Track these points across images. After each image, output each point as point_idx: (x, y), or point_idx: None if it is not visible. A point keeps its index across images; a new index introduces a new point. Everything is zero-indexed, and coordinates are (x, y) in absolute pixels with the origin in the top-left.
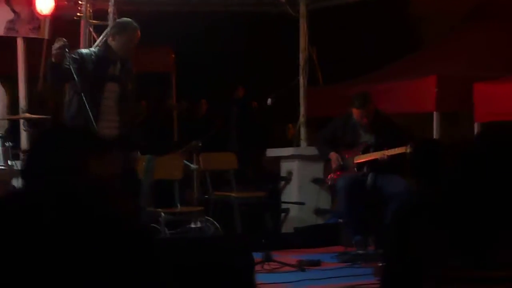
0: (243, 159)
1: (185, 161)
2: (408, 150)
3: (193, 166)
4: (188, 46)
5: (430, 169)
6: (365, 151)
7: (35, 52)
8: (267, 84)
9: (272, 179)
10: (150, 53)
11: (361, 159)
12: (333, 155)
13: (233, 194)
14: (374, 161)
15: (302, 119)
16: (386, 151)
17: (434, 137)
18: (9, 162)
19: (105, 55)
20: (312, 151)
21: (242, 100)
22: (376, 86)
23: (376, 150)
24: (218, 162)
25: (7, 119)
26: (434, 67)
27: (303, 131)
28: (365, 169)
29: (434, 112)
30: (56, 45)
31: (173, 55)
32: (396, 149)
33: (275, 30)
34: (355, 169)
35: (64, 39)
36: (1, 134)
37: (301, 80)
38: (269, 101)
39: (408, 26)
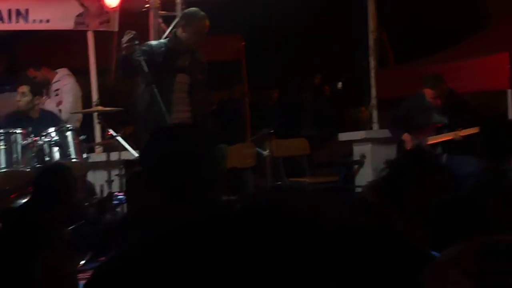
0: (316, 144)
1: (257, 149)
2: (482, 130)
3: (265, 153)
4: (257, 32)
5: (504, 149)
6: (439, 132)
7: (105, 45)
8: (338, 68)
9: (345, 163)
10: (219, 42)
11: (435, 140)
12: (406, 137)
13: (306, 180)
14: (448, 141)
15: (373, 101)
16: (460, 132)
17: (509, 116)
18: (83, 155)
19: (175, 47)
20: (385, 133)
21: (314, 85)
22: (448, 65)
23: (450, 130)
24: (290, 148)
25: (81, 113)
26: (506, 44)
27: (375, 113)
28: (439, 150)
29: (508, 90)
30: (126, 37)
31: (243, 43)
32: (470, 129)
33: (344, 12)
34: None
35: (133, 31)
36: (74, 127)
37: (371, 62)
38: (339, 84)
39: (478, 3)
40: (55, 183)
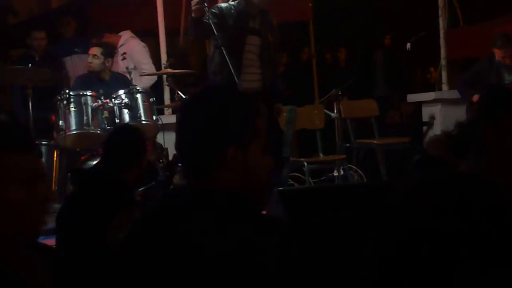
0: (386, 105)
1: (326, 110)
2: None
3: (334, 114)
4: None
5: None
6: None
7: (174, 8)
8: (408, 28)
9: (415, 124)
10: (287, 3)
11: None
12: (476, 98)
13: (375, 141)
14: None
15: (443, 62)
16: None
17: None
18: (153, 117)
19: (245, 8)
20: (455, 94)
21: (384, 45)
22: None
23: None
24: (359, 109)
25: (151, 75)
26: None
27: (444, 74)
28: None
29: None
30: (195, 0)
31: (310, 3)
32: None
33: None
34: None
35: None
36: (145, 89)
37: (441, 22)
38: (408, 45)
39: None
40: (127, 144)
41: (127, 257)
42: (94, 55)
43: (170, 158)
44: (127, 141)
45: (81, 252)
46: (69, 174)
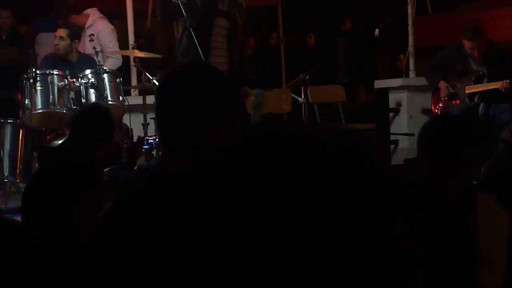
0: (351, 91)
1: (293, 95)
2: None
3: (301, 99)
4: None
5: None
6: (477, 81)
7: None
8: (375, 15)
9: (380, 111)
10: None
11: (473, 89)
12: (442, 84)
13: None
14: (488, 91)
15: (410, 49)
16: (506, 81)
17: None
18: (120, 98)
19: None
20: (421, 81)
21: (350, 31)
22: (487, 13)
23: (490, 80)
24: (326, 95)
25: (118, 56)
26: None
27: (412, 61)
28: (476, 99)
29: None
30: None
31: None
32: None
33: None
34: (467, 99)
35: None
36: (111, 69)
37: (409, 9)
38: (376, 31)
39: None
40: (96, 124)
41: (112, 238)
42: (61, 37)
43: (135, 139)
44: (97, 121)
45: (47, 230)
46: (35, 153)
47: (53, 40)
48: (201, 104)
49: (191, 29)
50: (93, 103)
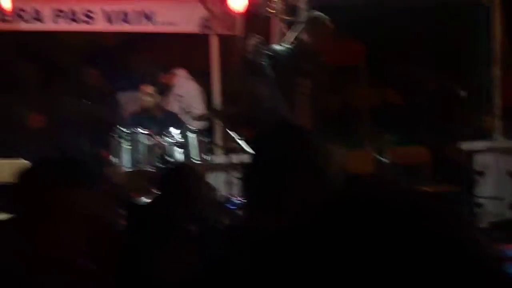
0: (437, 152)
1: (376, 155)
2: None
3: (384, 159)
4: (379, 38)
5: None
6: None
7: (227, 49)
8: (461, 75)
9: (466, 173)
10: (339, 46)
11: None
12: None
13: (427, 189)
14: None
15: (497, 111)
16: None
17: None
18: (204, 157)
19: (298, 51)
20: (509, 143)
21: (434, 91)
22: None
23: None
24: (410, 155)
25: (204, 118)
26: None
27: (499, 123)
28: None
29: None
30: (251, 41)
31: (363, 48)
32: None
33: (461, 20)
34: None
35: (258, 35)
36: (197, 129)
37: (496, 71)
38: (462, 93)
39: None
40: (182, 183)
41: None
42: (148, 93)
43: (220, 198)
44: (183, 180)
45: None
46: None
47: (133, 98)
48: (292, 167)
49: (276, 89)
50: (181, 163)
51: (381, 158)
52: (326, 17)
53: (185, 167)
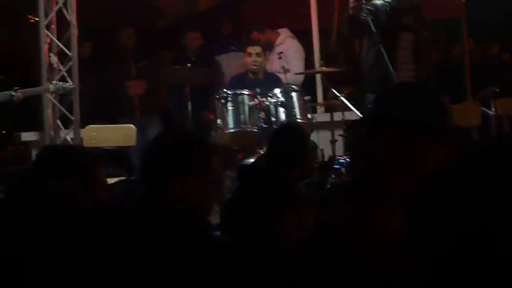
0: None
1: (483, 108)
2: None
3: (490, 112)
4: None
5: None
6: None
7: (327, 6)
8: None
9: None
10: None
11: None
12: None
13: None
14: None
15: None
16: None
17: None
18: (308, 116)
19: (399, 4)
20: None
21: None
22: None
23: None
24: None
25: (304, 73)
26: None
27: None
28: None
29: None
30: None
31: (463, 1)
32: None
33: None
34: None
35: None
36: (299, 88)
37: None
38: None
39: None
40: (293, 143)
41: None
42: (257, 53)
43: (325, 158)
44: (294, 141)
45: (248, 248)
46: (227, 171)
47: (236, 60)
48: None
49: (379, 44)
50: (289, 122)
51: (488, 111)
52: None
53: (293, 126)
